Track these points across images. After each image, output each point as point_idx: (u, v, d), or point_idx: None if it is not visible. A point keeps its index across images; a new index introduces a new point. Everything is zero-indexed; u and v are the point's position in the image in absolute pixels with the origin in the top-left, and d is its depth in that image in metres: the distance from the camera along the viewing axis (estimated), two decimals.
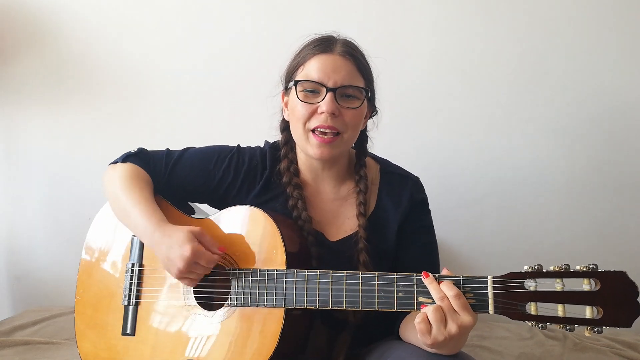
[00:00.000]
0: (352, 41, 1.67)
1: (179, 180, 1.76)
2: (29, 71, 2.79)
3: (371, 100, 1.69)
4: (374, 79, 1.69)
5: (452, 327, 1.28)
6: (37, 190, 2.85)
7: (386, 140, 1.84)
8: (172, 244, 1.50)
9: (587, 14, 2.58)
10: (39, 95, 2.80)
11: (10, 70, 2.79)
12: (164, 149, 1.82)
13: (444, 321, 1.28)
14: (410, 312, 1.54)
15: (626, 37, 2.57)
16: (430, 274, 1.36)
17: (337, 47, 1.60)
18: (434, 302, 1.32)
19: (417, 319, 1.30)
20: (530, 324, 1.27)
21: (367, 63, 1.66)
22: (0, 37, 2.76)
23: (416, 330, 1.34)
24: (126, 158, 1.75)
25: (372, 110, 1.73)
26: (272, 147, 1.79)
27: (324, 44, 1.62)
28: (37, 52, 2.78)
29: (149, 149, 1.81)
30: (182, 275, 1.50)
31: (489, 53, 2.62)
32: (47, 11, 2.75)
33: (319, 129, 1.56)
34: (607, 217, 2.64)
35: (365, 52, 1.67)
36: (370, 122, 1.76)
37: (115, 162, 1.77)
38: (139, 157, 1.76)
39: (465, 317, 1.28)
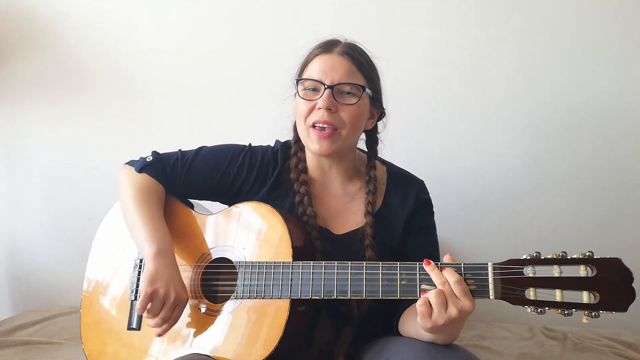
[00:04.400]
0: (356, 44, 1.72)
1: (194, 179, 1.79)
2: (29, 71, 2.80)
3: (374, 100, 1.72)
4: (380, 79, 1.74)
5: (452, 311, 1.31)
6: (37, 190, 2.86)
7: (386, 140, 1.86)
8: (176, 277, 1.57)
9: (587, 14, 2.59)
10: (39, 95, 2.81)
11: (10, 70, 2.80)
12: (169, 150, 1.85)
13: (445, 304, 1.31)
14: (410, 305, 1.59)
15: (628, 36, 2.58)
16: (431, 261, 1.39)
17: (338, 48, 1.67)
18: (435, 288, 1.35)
19: (419, 302, 1.33)
20: (529, 309, 1.29)
21: (369, 63, 1.71)
22: (0, 37, 2.78)
23: (414, 322, 1.39)
24: (142, 168, 1.77)
25: (379, 112, 1.77)
26: (284, 145, 1.84)
27: (326, 45, 1.69)
28: (37, 52, 2.79)
29: (161, 152, 1.84)
30: (156, 298, 1.51)
31: (489, 53, 2.63)
32: (48, 11, 2.76)
33: (317, 124, 1.62)
34: (607, 217, 2.64)
35: (369, 54, 1.72)
36: (380, 124, 1.81)
37: (132, 164, 1.80)
38: (154, 166, 1.78)
39: (466, 302, 1.31)
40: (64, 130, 2.83)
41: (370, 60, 1.72)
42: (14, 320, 2.50)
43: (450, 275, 1.34)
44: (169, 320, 1.54)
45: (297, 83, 1.68)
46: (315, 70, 1.65)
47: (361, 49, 1.72)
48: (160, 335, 1.57)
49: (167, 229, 1.67)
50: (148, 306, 1.52)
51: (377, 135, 1.82)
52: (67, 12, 2.76)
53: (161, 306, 1.52)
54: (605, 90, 2.61)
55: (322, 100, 1.60)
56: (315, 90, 1.64)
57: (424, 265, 1.39)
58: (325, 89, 1.60)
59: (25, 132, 2.84)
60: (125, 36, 2.78)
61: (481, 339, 2.39)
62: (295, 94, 1.73)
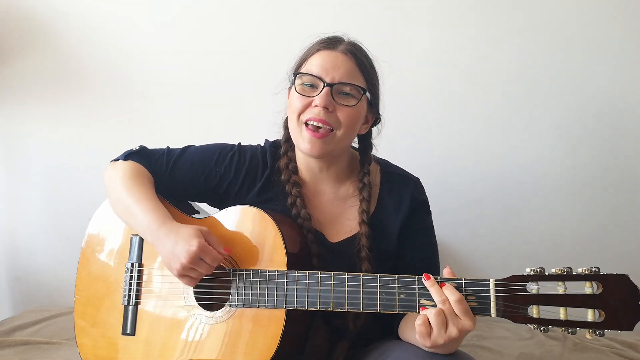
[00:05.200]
0: (360, 44, 1.67)
1: (180, 178, 1.75)
2: (29, 71, 2.79)
3: (372, 104, 1.68)
4: (379, 84, 1.70)
5: (452, 331, 1.29)
6: (37, 190, 2.86)
7: (385, 140, 1.84)
8: (178, 240, 1.49)
9: (587, 14, 2.59)
10: (39, 95, 2.81)
11: (10, 70, 2.79)
12: (164, 147, 1.82)
13: (445, 325, 1.30)
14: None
15: (628, 36, 2.58)
16: (431, 276, 1.36)
17: (341, 46, 1.62)
18: (435, 305, 1.34)
19: (418, 321, 1.32)
20: (532, 326, 1.28)
21: (371, 66, 1.66)
22: (0, 37, 2.76)
23: (414, 331, 1.35)
24: (128, 156, 1.74)
25: (374, 117, 1.72)
26: (273, 145, 1.79)
27: (329, 41, 1.64)
28: (37, 52, 2.78)
29: (150, 147, 1.81)
30: (184, 272, 1.49)
31: (489, 53, 2.63)
32: (48, 11, 2.75)
33: (311, 122, 1.56)
34: (608, 217, 2.65)
35: (371, 56, 1.68)
36: (374, 130, 1.77)
37: (117, 159, 1.76)
38: (140, 155, 1.76)
39: (466, 322, 1.30)
40: (64, 130, 2.82)
41: (373, 64, 1.67)
42: (14, 320, 2.50)
43: (451, 294, 1.32)
44: (213, 265, 1.50)
45: (295, 76, 1.62)
46: (315, 65, 1.59)
47: (365, 50, 1.67)
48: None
49: (162, 205, 1.63)
50: (195, 277, 1.51)
51: (372, 141, 1.77)
52: (67, 12, 2.76)
53: (197, 269, 1.49)
54: (605, 90, 2.61)
55: (319, 97, 1.55)
56: (312, 86, 1.59)
57: (423, 280, 1.37)
58: (324, 86, 1.55)
59: (25, 132, 2.84)
60: (125, 36, 2.77)
61: (481, 339, 2.39)
62: (289, 88, 1.70)
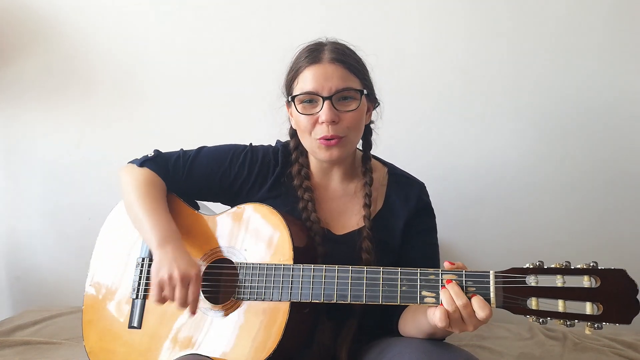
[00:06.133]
0: (340, 42, 1.70)
1: (196, 178, 1.80)
2: (30, 72, 2.80)
3: (369, 95, 1.71)
4: (369, 72, 1.72)
5: (469, 328, 1.34)
6: (37, 189, 2.86)
7: (385, 140, 1.86)
8: (181, 257, 1.55)
9: (582, 13, 2.59)
10: (39, 95, 2.81)
11: (11, 70, 2.80)
12: (170, 150, 1.86)
13: (463, 322, 1.34)
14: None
15: (627, 38, 2.58)
16: (452, 280, 1.36)
17: (326, 55, 1.63)
18: (436, 295, 1.37)
19: (438, 318, 1.33)
20: (531, 318, 1.29)
21: (358, 61, 1.69)
22: (1, 37, 2.77)
23: (414, 320, 1.49)
24: (143, 162, 1.78)
25: (373, 103, 1.76)
26: (284, 146, 1.83)
27: (313, 54, 1.65)
28: (38, 52, 2.79)
29: (164, 151, 1.84)
30: (167, 282, 1.52)
31: (489, 53, 2.63)
32: (49, 11, 2.76)
33: (323, 139, 1.60)
34: (607, 217, 2.64)
35: (354, 49, 1.70)
36: (374, 113, 1.79)
37: (133, 162, 1.81)
38: (155, 162, 1.79)
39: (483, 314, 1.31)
40: (64, 130, 2.83)
41: (359, 58, 1.70)
42: (14, 320, 2.50)
43: (480, 310, 1.31)
44: (189, 299, 1.53)
45: (293, 99, 1.64)
46: (308, 83, 1.61)
47: (347, 48, 1.69)
48: (193, 313, 1.55)
49: (171, 218, 1.67)
50: (163, 295, 1.54)
51: (371, 126, 1.81)
52: (68, 12, 2.76)
53: (173, 290, 1.52)
54: (604, 89, 2.61)
55: (323, 113, 1.58)
56: (312, 102, 1.62)
57: (445, 284, 1.36)
58: (323, 101, 1.58)
59: (26, 132, 2.84)
60: (126, 36, 2.77)
61: (481, 339, 2.39)
62: (285, 102, 1.74)
